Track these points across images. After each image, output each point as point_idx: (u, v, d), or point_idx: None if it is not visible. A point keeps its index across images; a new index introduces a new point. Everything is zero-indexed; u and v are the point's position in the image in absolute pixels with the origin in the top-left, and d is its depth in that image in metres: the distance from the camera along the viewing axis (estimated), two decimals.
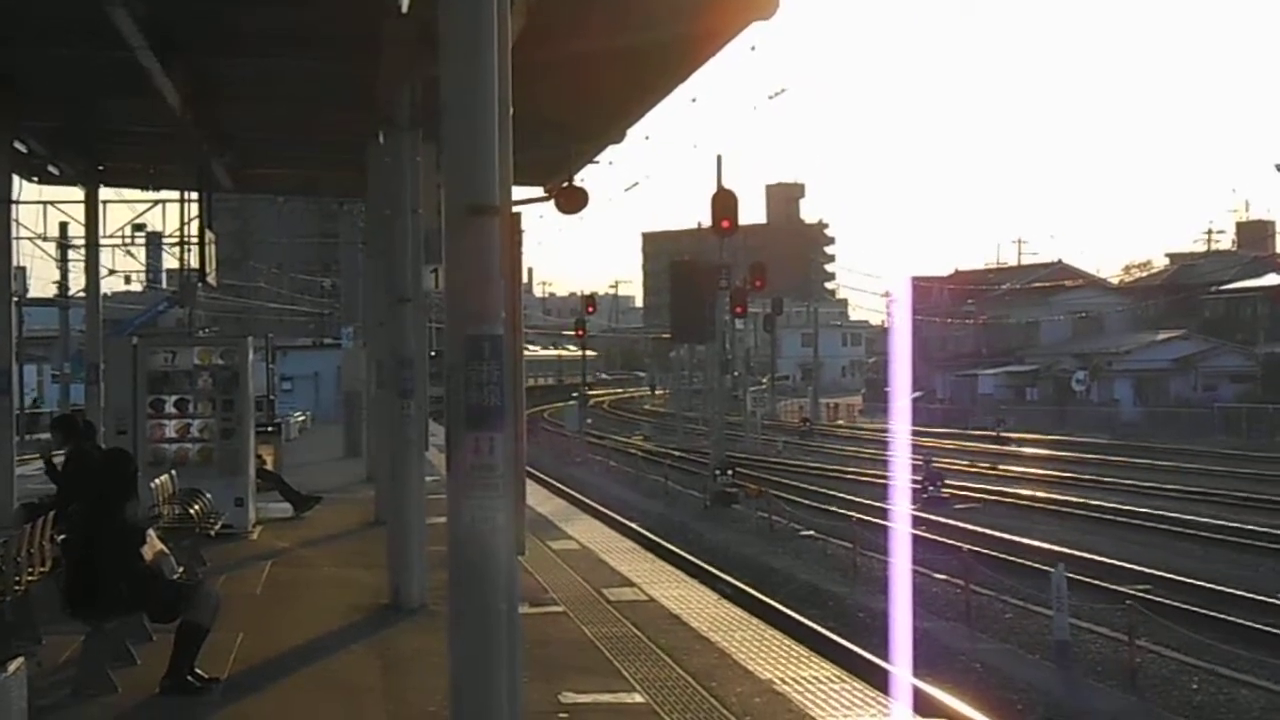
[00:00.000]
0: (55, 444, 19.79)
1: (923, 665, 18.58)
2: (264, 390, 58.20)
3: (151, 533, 13.77)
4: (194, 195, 33.49)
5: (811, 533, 34.94)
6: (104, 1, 16.37)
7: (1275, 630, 22.03)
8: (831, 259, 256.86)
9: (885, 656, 19.20)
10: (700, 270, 49.86)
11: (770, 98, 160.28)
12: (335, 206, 54.41)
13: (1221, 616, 23.07)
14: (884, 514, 35.97)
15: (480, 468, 8.24)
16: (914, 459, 47.46)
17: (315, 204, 76.74)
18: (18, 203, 28.85)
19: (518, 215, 9.30)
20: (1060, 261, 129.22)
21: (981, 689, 18.81)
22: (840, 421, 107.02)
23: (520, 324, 9.28)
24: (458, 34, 8.46)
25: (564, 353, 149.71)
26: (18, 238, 49.81)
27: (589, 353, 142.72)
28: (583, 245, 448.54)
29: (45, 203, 49.63)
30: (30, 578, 14.26)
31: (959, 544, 28.49)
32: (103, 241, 36.81)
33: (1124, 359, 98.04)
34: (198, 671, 12.65)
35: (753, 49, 44.25)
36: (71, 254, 61.35)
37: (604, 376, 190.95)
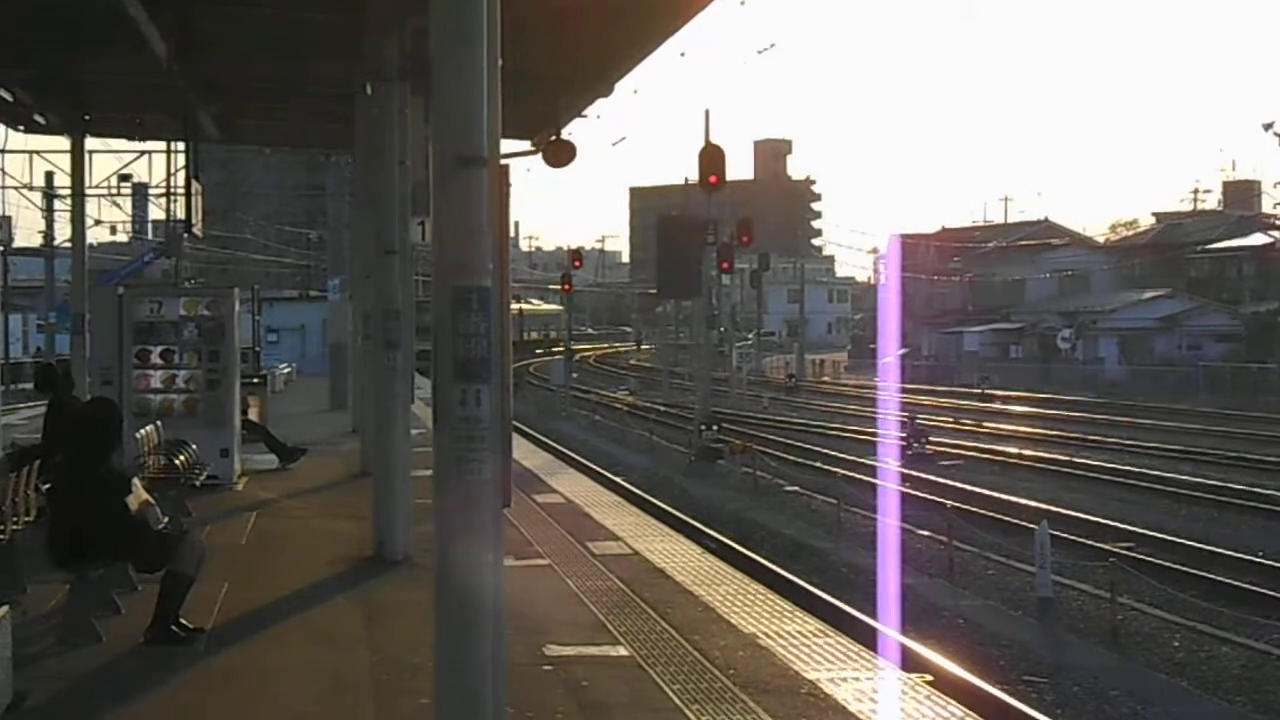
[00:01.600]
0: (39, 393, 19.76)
1: (906, 621, 18.67)
2: (250, 342, 58.18)
3: (136, 483, 13.76)
4: (180, 146, 33.38)
5: (796, 488, 35.05)
6: None
7: (1256, 588, 22.14)
8: (818, 215, 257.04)
9: (869, 612, 19.26)
10: (687, 225, 49.85)
11: (759, 53, 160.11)
12: (322, 158, 54.30)
13: (1203, 574, 23.18)
14: (868, 470, 36.07)
15: (466, 420, 8.23)
16: (899, 416, 47.57)
17: (302, 156, 76.73)
18: (4, 152, 28.89)
19: (506, 167, 9.24)
20: (1047, 220, 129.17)
21: (964, 644, 18.89)
22: (825, 378, 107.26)
23: (508, 276, 9.25)
24: None
25: (527, 306, 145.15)
26: (4, 187, 49.62)
27: (554, 307, 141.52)
28: (570, 200, 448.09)
29: (31, 152, 49.71)
30: (15, 527, 14.26)
31: (943, 500, 28.59)
32: (89, 191, 36.73)
33: (1109, 317, 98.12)
34: (182, 621, 12.67)
35: (742, 3, 43.97)
36: (57, 204, 61.28)
37: (590, 331, 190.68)
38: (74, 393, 20.19)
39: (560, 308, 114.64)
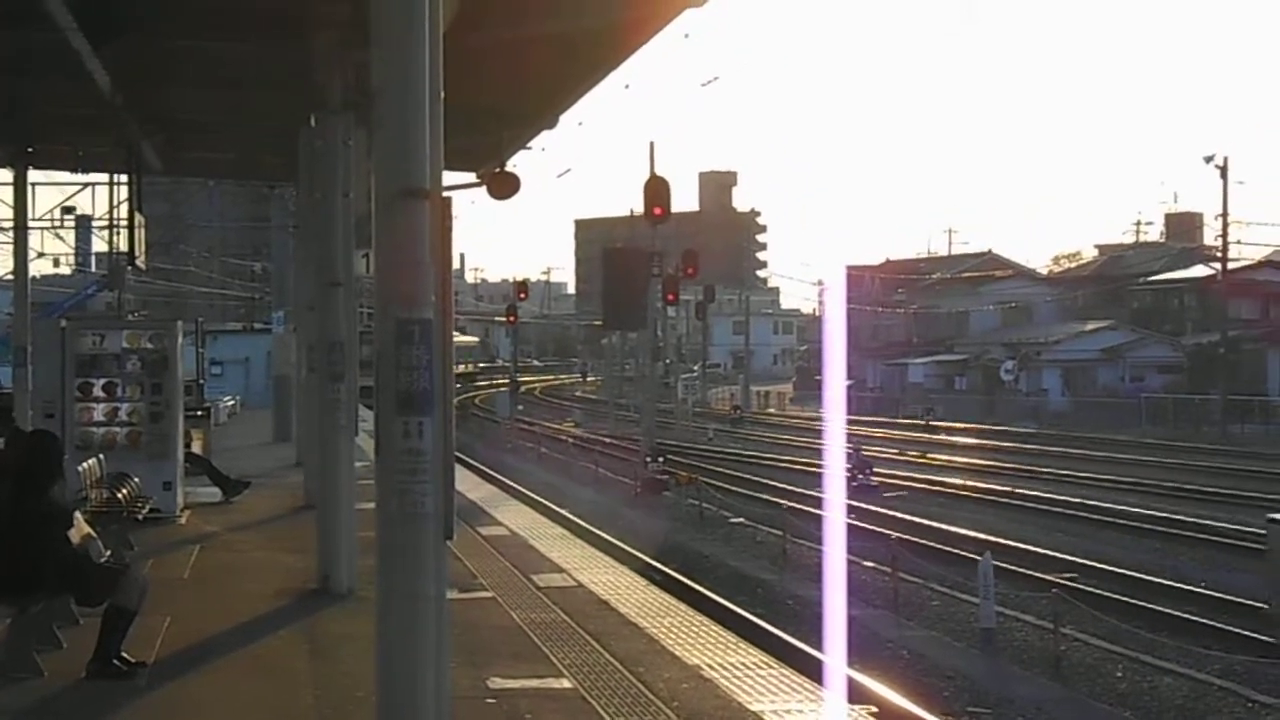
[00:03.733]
0: None
1: (851, 652, 18.67)
2: (193, 374, 57.92)
3: (78, 516, 13.70)
4: (124, 178, 33.27)
5: (741, 520, 35.08)
6: None
7: (1198, 619, 22.26)
8: (764, 247, 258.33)
9: (813, 643, 19.28)
10: (632, 257, 49.85)
11: (703, 85, 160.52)
12: (266, 190, 54.04)
13: (1146, 605, 23.29)
14: (814, 502, 36.12)
15: (408, 452, 8.25)
16: (844, 447, 47.70)
17: (246, 188, 76.40)
18: None
19: (448, 199, 9.27)
20: (990, 252, 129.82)
21: (908, 676, 18.95)
22: (771, 409, 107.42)
23: (451, 309, 9.27)
24: (390, 17, 8.44)
25: None
26: None
27: (469, 339, 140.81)
28: (515, 232, 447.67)
29: None
30: None
31: (887, 532, 28.67)
32: (31, 224, 36.50)
33: (1052, 349, 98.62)
34: (124, 655, 12.60)
35: (686, 36, 43.90)
36: None
37: (536, 363, 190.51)
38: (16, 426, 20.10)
39: (476, 339, 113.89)
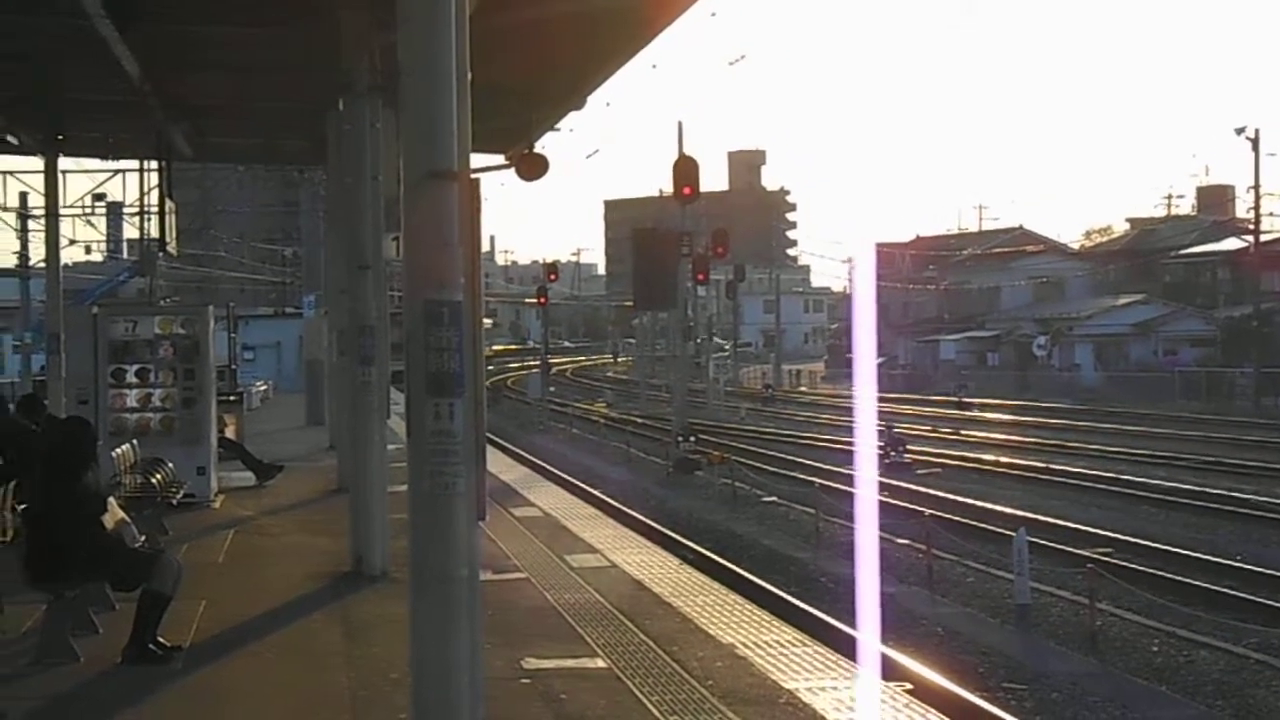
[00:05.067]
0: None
1: (885, 629, 18.61)
2: (226, 359, 58.04)
3: (113, 501, 13.75)
4: (154, 164, 33.36)
5: (774, 499, 35.00)
6: None
7: (1235, 592, 22.16)
8: (793, 225, 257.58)
9: (847, 621, 19.24)
10: (662, 237, 49.80)
11: (731, 64, 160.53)
12: (296, 175, 54.20)
13: (1181, 579, 23.19)
14: (846, 480, 36.03)
15: (439, 433, 8.25)
16: (876, 425, 47.58)
17: (276, 172, 76.56)
18: None
19: (476, 181, 9.27)
20: (1021, 227, 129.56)
21: (943, 652, 18.89)
22: (802, 388, 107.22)
23: (480, 290, 9.28)
24: None
25: None
26: None
27: (484, 320, 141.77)
28: (545, 213, 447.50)
29: (4, 173, 49.59)
30: None
31: (921, 509, 28.59)
32: (63, 211, 36.66)
33: (1084, 324, 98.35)
34: (160, 640, 12.64)
35: (713, 15, 44.07)
36: (31, 224, 61.09)
37: (567, 344, 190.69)
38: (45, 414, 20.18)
39: (491, 321, 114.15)
